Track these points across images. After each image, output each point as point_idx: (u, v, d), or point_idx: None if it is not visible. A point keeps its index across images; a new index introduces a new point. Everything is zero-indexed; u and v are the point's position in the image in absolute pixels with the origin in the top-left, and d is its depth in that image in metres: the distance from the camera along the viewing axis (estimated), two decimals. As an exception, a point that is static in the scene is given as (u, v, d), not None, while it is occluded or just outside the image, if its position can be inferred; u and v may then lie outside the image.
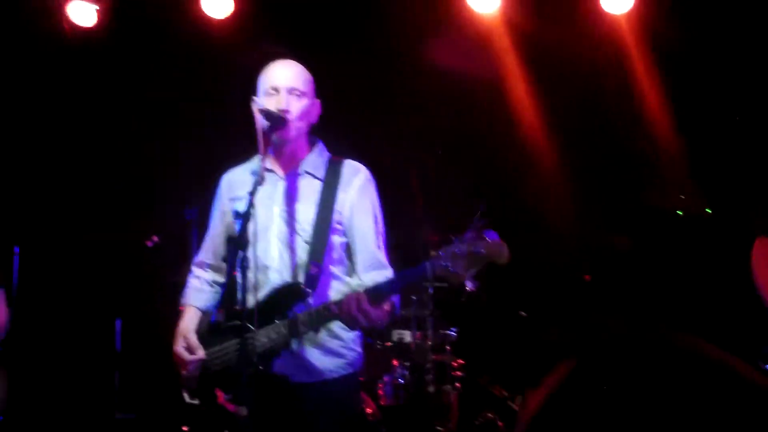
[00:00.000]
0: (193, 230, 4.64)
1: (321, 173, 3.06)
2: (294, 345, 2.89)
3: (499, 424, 4.86)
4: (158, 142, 5.99)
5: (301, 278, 2.94)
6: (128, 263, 5.59)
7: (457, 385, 4.97)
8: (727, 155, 5.54)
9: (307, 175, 3.07)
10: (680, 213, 5.61)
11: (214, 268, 3.24)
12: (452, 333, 5.02)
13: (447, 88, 5.80)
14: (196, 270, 3.27)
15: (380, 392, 4.96)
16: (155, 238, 5.00)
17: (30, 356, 5.55)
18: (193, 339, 3.06)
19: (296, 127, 2.99)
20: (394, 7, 5.63)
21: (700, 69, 5.55)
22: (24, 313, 5.11)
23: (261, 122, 2.99)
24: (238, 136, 3.44)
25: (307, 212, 3.00)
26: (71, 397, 5.75)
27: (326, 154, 3.14)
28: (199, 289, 3.23)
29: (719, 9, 5.36)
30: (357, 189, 3.05)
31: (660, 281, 5.49)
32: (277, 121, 2.93)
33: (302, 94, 3.02)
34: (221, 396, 2.95)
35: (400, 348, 4.97)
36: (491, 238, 2.66)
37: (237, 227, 2.79)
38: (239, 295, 2.72)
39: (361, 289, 2.81)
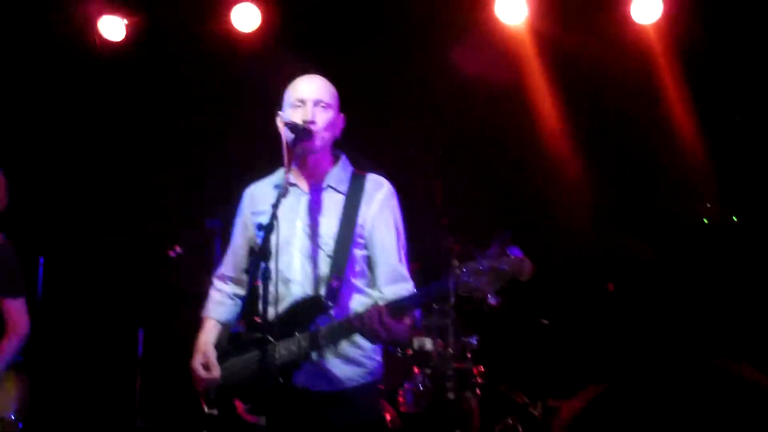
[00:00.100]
0: (216, 241, 4.65)
1: (344, 187, 3.07)
2: (314, 355, 2.90)
3: (520, 430, 4.82)
4: (184, 154, 6.04)
5: (323, 291, 2.94)
6: (151, 273, 5.62)
7: (478, 392, 4.94)
8: (755, 163, 5.48)
9: (331, 190, 3.08)
10: (706, 221, 5.55)
11: (235, 281, 3.26)
12: (473, 341, 4.99)
13: (472, 99, 5.79)
14: (217, 282, 3.30)
15: (401, 399, 4.94)
16: (178, 249, 5.01)
17: (52, 365, 5.58)
18: (212, 356, 3.09)
19: (321, 138, 3.01)
20: (421, 20, 5.63)
21: (729, 79, 5.49)
22: (47, 322, 5.15)
23: (286, 135, 3.02)
24: (263, 149, 3.46)
25: (329, 226, 3.01)
26: (93, 406, 5.77)
27: (350, 168, 3.15)
28: (220, 302, 3.25)
29: (749, 19, 5.31)
30: (379, 203, 3.06)
31: (685, 290, 5.42)
32: (303, 133, 2.95)
33: (328, 106, 3.04)
34: (240, 406, 2.97)
35: (421, 356, 4.95)
36: (515, 254, 2.64)
37: (259, 240, 2.80)
38: (260, 307, 2.73)
39: (382, 303, 2.81)
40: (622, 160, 5.82)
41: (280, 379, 2.84)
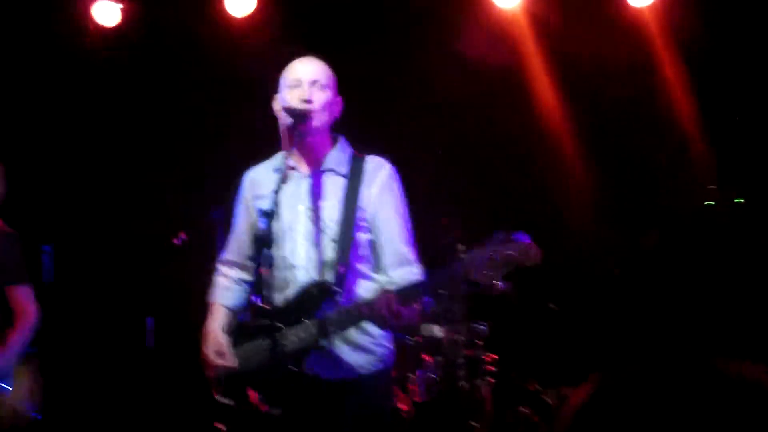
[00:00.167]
0: (218, 229, 4.64)
1: (344, 170, 3.03)
2: (324, 342, 2.87)
3: (535, 418, 4.83)
4: (183, 141, 6.02)
5: (329, 276, 2.91)
6: (158, 261, 5.62)
7: (490, 380, 4.94)
8: (754, 148, 5.47)
9: (331, 172, 3.04)
10: (711, 203, 5.54)
11: (240, 266, 3.20)
12: (483, 327, 4.98)
13: (468, 83, 5.75)
14: (222, 268, 3.25)
15: (412, 387, 4.94)
16: (183, 236, 5.00)
17: (62, 355, 5.60)
18: (224, 343, 3.04)
19: (319, 118, 2.96)
20: (415, 4, 5.59)
21: (726, 61, 5.46)
22: (56, 312, 5.17)
23: (284, 120, 2.99)
24: (263, 134, 3.44)
25: (332, 210, 2.98)
26: (103, 394, 5.80)
27: (349, 150, 3.11)
28: (227, 287, 3.20)
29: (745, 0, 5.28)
30: (380, 185, 3.02)
31: (690, 275, 5.43)
32: (300, 116, 2.91)
33: (325, 87, 3.00)
34: (253, 395, 2.94)
35: (431, 343, 4.95)
36: (522, 239, 2.61)
37: (262, 225, 2.77)
38: (267, 294, 2.71)
39: (391, 287, 2.79)
40: (620, 145, 5.80)
41: (291, 367, 2.82)
